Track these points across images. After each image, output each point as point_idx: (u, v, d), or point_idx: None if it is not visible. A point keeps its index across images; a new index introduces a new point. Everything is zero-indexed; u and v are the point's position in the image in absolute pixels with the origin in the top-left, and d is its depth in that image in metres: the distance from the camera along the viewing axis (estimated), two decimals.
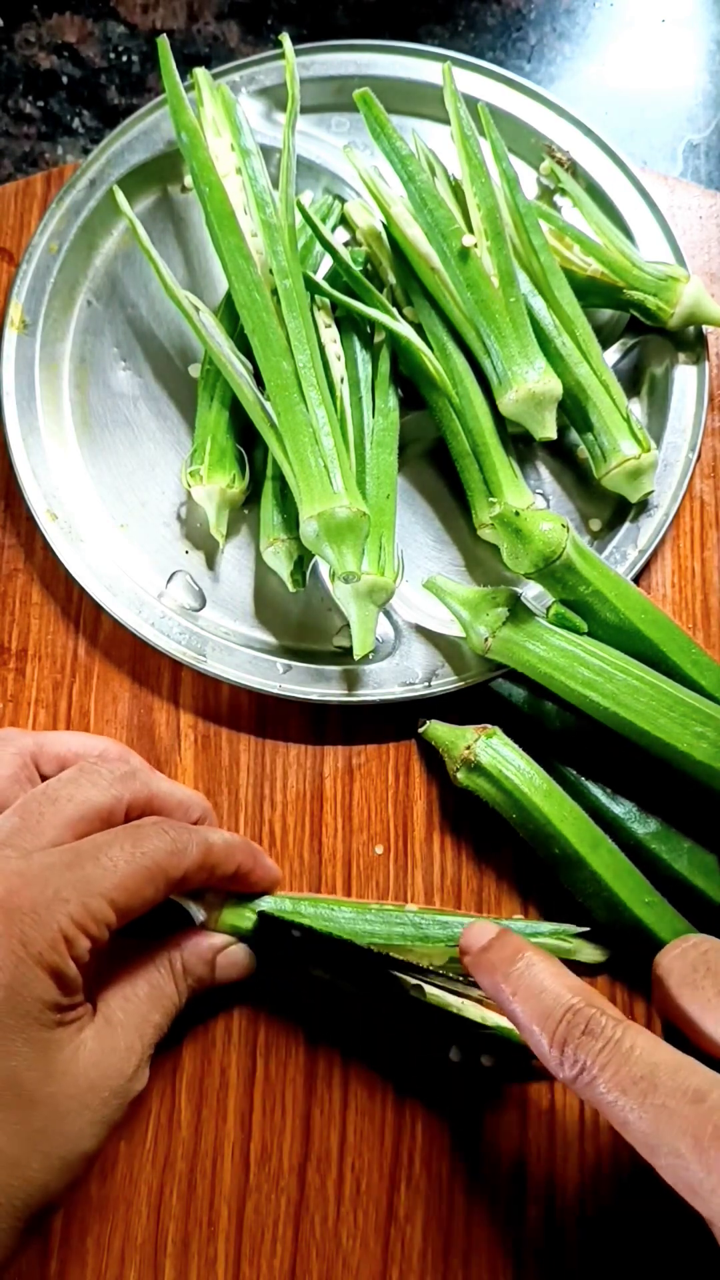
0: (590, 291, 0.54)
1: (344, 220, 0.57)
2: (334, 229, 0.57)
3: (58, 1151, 0.35)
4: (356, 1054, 0.47)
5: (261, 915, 0.45)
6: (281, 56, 0.57)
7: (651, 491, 0.52)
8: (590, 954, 0.47)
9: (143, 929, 0.41)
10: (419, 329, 0.53)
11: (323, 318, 0.54)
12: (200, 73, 0.55)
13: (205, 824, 0.46)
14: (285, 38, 0.54)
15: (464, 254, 0.51)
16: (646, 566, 0.53)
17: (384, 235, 0.55)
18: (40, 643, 0.53)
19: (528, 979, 0.36)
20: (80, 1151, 0.36)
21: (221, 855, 0.43)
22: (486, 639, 0.48)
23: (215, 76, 0.57)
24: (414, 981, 0.45)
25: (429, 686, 0.50)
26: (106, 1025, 0.38)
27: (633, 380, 0.56)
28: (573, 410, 0.52)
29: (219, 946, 0.45)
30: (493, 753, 0.47)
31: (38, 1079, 0.35)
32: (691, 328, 0.54)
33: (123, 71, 0.65)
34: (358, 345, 0.53)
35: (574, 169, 0.57)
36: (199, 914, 0.45)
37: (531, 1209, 0.45)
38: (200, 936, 0.44)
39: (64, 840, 0.39)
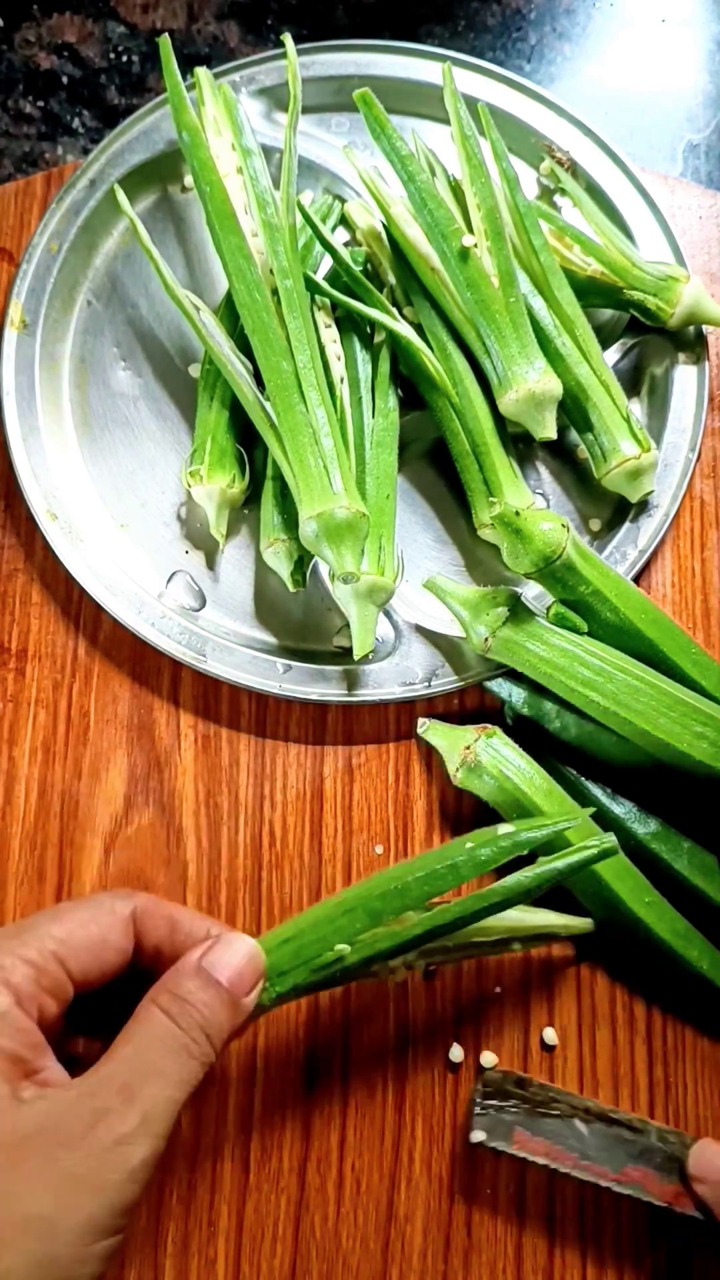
0: (590, 291, 0.54)
1: (344, 220, 0.57)
2: (334, 229, 0.57)
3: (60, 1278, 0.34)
4: (356, 1054, 0.47)
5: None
6: (282, 56, 0.57)
7: (651, 491, 0.52)
8: (577, 924, 0.47)
9: None
10: (419, 329, 0.53)
11: (323, 318, 0.54)
12: (202, 72, 0.55)
13: None
14: (287, 37, 0.54)
15: (464, 254, 0.51)
16: (646, 566, 0.53)
17: (384, 235, 0.55)
18: (40, 643, 0.53)
19: None
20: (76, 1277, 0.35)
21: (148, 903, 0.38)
22: (486, 639, 0.48)
23: (215, 76, 0.57)
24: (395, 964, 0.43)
25: (429, 686, 0.50)
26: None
27: (633, 380, 0.56)
28: (573, 410, 0.52)
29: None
30: (493, 753, 0.47)
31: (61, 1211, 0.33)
32: (691, 328, 0.54)
33: (123, 71, 0.65)
34: (358, 345, 0.53)
35: (574, 169, 0.57)
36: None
37: (531, 1208, 0.45)
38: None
39: None
